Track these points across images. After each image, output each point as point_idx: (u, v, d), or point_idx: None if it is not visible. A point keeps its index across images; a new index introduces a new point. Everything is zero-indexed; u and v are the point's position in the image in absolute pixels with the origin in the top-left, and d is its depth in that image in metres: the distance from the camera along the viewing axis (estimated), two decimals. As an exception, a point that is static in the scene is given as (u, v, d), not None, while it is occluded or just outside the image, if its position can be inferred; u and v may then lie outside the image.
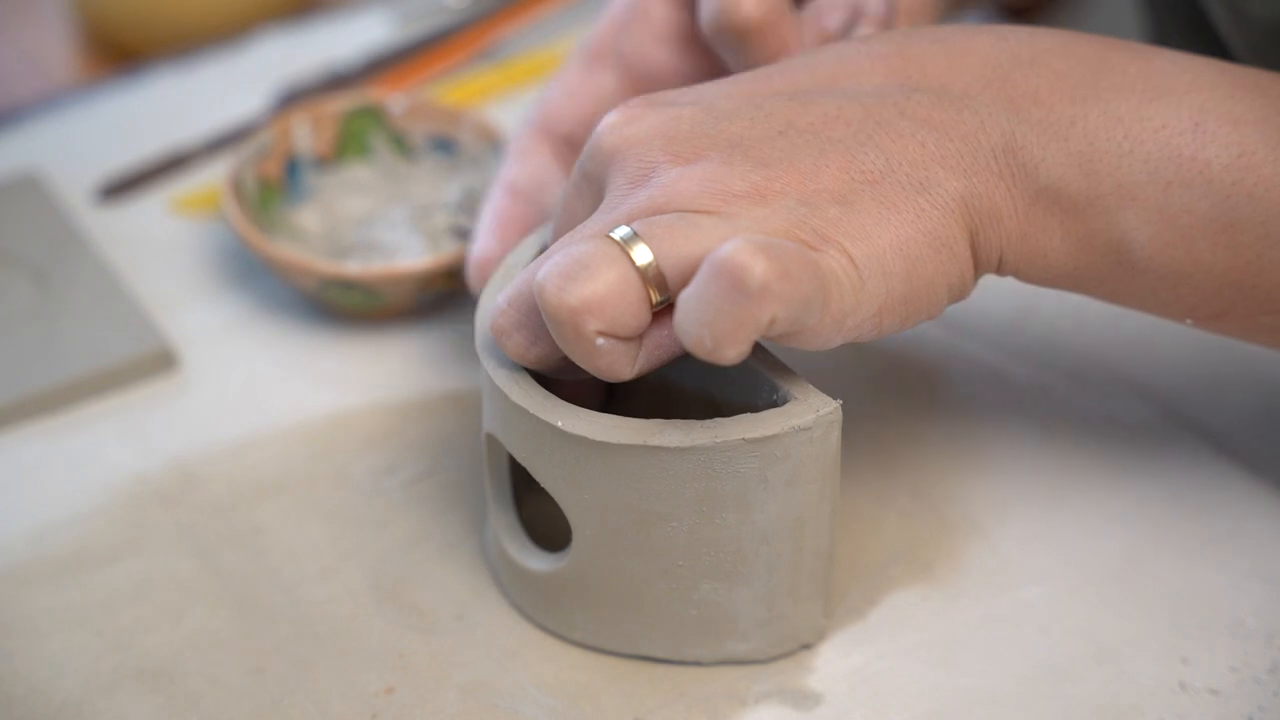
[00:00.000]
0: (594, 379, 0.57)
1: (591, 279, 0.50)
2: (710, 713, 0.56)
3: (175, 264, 0.73)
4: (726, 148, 0.53)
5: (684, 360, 0.57)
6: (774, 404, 0.54)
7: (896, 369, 0.67)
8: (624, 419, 0.53)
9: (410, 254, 0.70)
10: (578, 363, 0.52)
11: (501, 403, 0.54)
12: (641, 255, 0.50)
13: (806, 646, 0.57)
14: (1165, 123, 0.53)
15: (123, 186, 0.76)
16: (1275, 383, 0.66)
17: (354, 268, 0.67)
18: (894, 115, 0.54)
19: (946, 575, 0.60)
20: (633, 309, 0.50)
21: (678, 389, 0.59)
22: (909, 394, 0.66)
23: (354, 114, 0.74)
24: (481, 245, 0.63)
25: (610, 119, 0.55)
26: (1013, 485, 0.63)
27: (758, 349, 0.55)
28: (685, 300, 0.49)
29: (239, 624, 0.59)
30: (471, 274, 0.63)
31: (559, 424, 0.53)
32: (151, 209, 0.76)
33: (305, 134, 0.73)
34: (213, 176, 0.77)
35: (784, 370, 0.54)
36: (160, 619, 0.59)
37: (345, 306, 0.69)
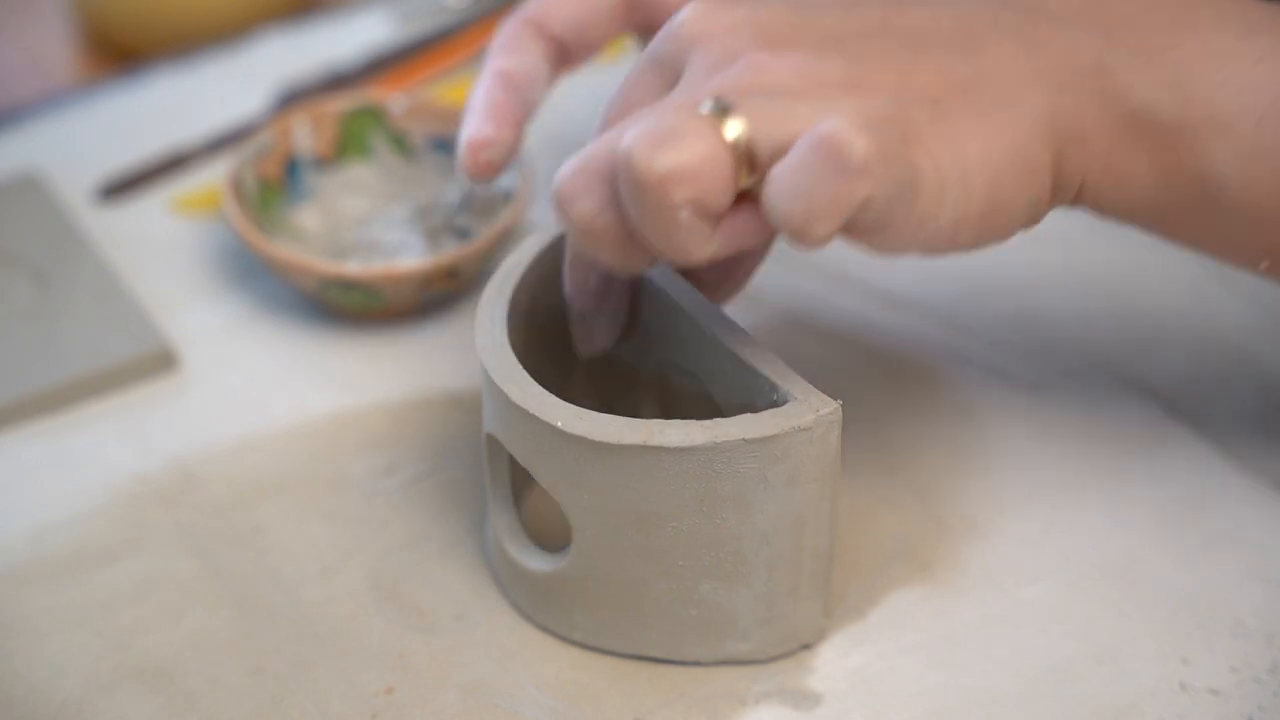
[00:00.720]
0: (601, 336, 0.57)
1: (682, 147, 0.48)
2: (710, 713, 0.56)
3: (175, 264, 0.73)
4: (818, 41, 0.51)
5: (686, 360, 0.57)
6: (774, 404, 0.54)
7: (896, 369, 0.67)
8: (624, 419, 0.53)
9: (410, 254, 0.70)
10: (651, 239, 0.50)
11: (501, 403, 0.54)
12: (733, 129, 0.48)
13: (806, 646, 0.57)
14: (1262, 57, 0.52)
15: (123, 186, 0.76)
16: (1275, 383, 0.66)
17: (354, 268, 0.67)
18: (987, 26, 0.52)
19: (946, 575, 0.60)
20: (721, 183, 0.48)
21: (677, 389, 0.59)
22: (909, 394, 0.66)
23: (354, 114, 0.74)
24: (476, 127, 0.60)
25: (691, 8, 0.53)
26: (1013, 485, 0.63)
27: (758, 349, 0.55)
28: (780, 173, 0.47)
29: (239, 624, 0.59)
30: (466, 156, 0.61)
31: (559, 424, 0.53)
32: (151, 209, 0.76)
33: (305, 134, 0.73)
34: (213, 176, 0.77)
35: (784, 370, 0.54)
36: (160, 619, 0.59)
37: (345, 306, 0.69)
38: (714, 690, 0.56)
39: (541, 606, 0.58)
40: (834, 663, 0.57)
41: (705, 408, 0.58)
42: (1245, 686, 0.56)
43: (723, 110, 0.49)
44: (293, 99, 0.80)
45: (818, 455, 0.53)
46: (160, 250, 0.74)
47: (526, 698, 0.56)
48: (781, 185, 0.47)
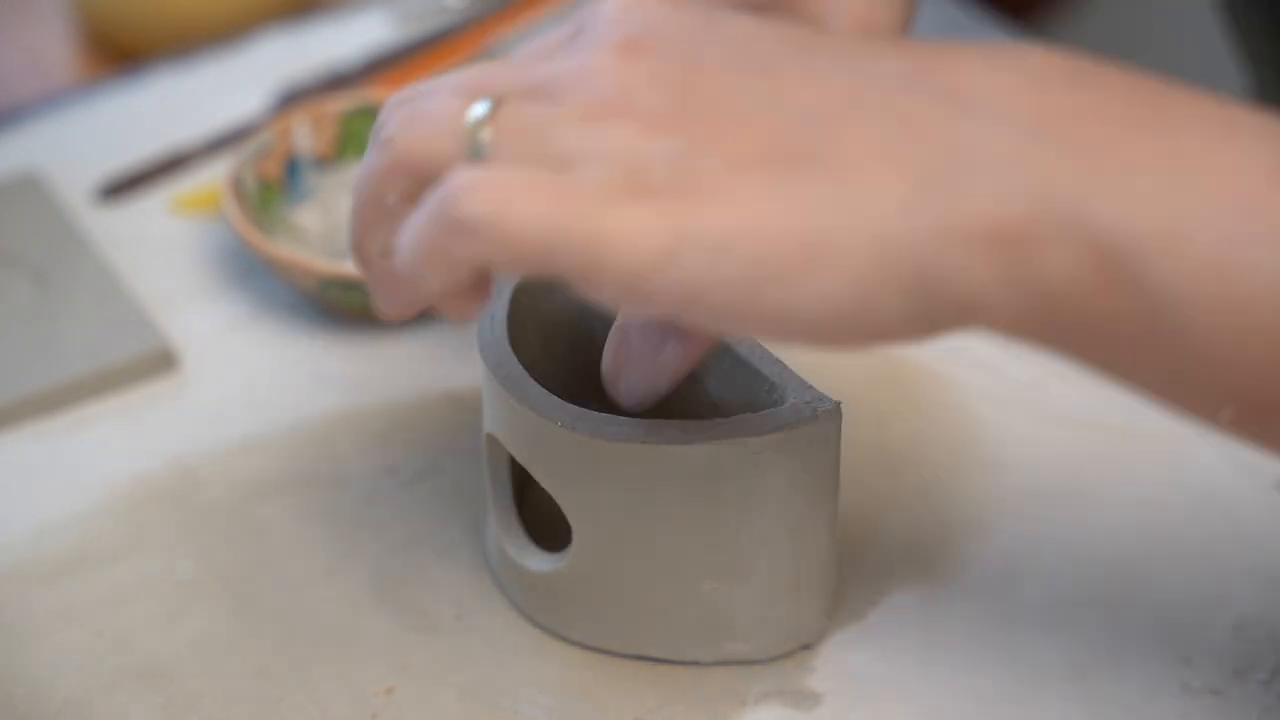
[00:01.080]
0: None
1: (422, 132, 0.47)
2: (710, 713, 0.56)
3: (175, 264, 0.73)
4: (681, 59, 0.45)
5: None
6: (773, 404, 0.54)
7: (896, 369, 0.67)
8: (623, 419, 0.53)
9: (410, 254, 0.70)
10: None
11: (501, 403, 0.54)
12: (481, 134, 0.46)
13: (806, 646, 0.57)
14: (1237, 164, 0.44)
15: (123, 186, 0.76)
16: (1275, 383, 0.66)
17: (354, 267, 0.67)
18: (871, 99, 0.45)
19: (946, 575, 0.60)
20: (432, 174, 0.46)
21: (677, 389, 0.59)
22: (909, 394, 0.66)
23: (354, 114, 0.74)
24: None
25: None
26: (1013, 485, 0.63)
27: (758, 349, 0.55)
28: (416, 212, 0.46)
29: (239, 624, 0.59)
30: None
31: (559, 424, 0.53)
32: (151, 209, 0.76)
33: (305, 134, 0.73)
34: (213, 176, 0.77)
35: (783, 370, 0.54)
36: (160, 619, 0.59)
37: (345, 306, 0.69)
38: (714, 690, 0.56)
39: (541, 606, 0.58)
40: (834, 663, 0.57)
41: (705, 407, 0.58)
42: (1247, 688, 0.56)
43: (484, 120, 0.46)
44: (293, 99, 0.80)
45: (818, 455, 0.53)
46: (160, 250, 0.74)
47: (526, 698, 0.56)
48: (408, 223, 0.46)
